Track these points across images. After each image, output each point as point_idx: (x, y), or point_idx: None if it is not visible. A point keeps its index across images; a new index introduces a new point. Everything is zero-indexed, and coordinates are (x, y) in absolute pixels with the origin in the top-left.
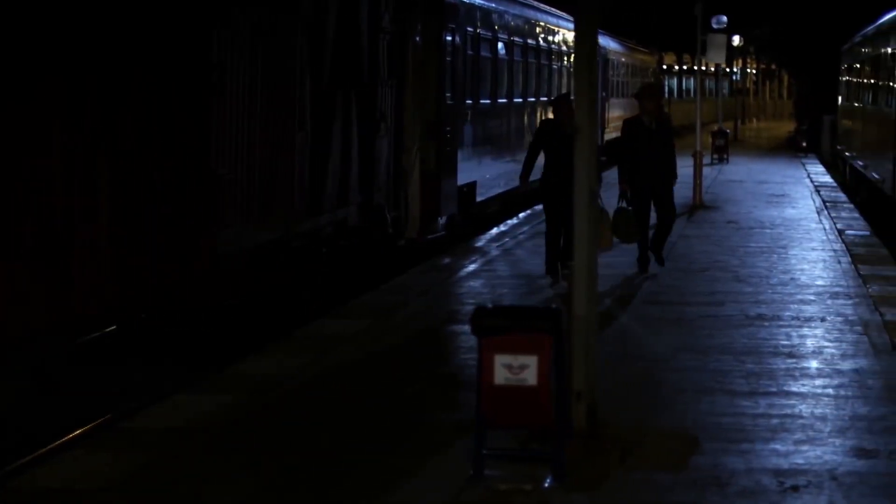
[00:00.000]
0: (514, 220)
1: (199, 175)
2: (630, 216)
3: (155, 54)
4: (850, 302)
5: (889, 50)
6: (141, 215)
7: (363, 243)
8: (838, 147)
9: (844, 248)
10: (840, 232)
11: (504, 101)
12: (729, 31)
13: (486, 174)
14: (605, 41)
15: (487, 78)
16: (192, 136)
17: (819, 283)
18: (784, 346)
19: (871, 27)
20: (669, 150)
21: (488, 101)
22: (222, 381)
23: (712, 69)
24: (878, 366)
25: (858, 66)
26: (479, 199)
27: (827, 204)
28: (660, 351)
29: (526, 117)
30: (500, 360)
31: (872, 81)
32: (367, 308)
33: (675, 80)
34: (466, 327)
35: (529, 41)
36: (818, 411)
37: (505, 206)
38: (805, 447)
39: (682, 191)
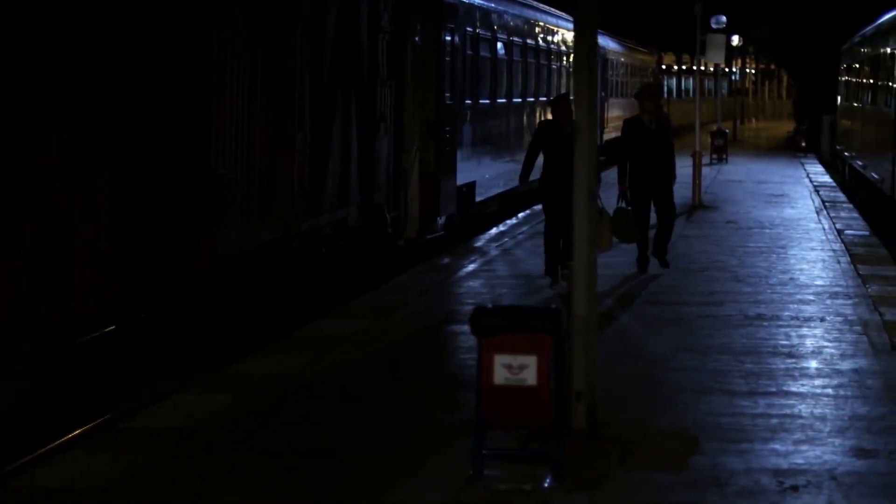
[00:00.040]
0: (514, 220)
1: (199, 175)
2: (630, 216)
3: (155, 54)
4: (849, 302)
5: (888, 50)
6: (141, 215)
7: (363, 243)
8: (837, 147)
9: (844, 248)
10: (839, 232)
11: (503, 101)
12: (728, 31)
13: (486, 174)
14: (604, 41)
15: (487, 78)
16: (192, 135)
17: (818, 283)
18: (783, 346)
19: (871, 27)
20: (669, 150)
21: (488, 101)
22: (222, 381)
23: (711, 69)
24: (877, 366)
25: (858, 66)
26: (478, 199)
27: (826, 204)
28: (659, 351)
29: (525, 117)
30: (500, 360)
31: (872, 81)
32: (366, 308)
33: (674, 80)
34: (466, 327)
35: (529, 41)
36: (817, 411)
37: (504, 205)
38: (804, 447)
39: (681, 191)
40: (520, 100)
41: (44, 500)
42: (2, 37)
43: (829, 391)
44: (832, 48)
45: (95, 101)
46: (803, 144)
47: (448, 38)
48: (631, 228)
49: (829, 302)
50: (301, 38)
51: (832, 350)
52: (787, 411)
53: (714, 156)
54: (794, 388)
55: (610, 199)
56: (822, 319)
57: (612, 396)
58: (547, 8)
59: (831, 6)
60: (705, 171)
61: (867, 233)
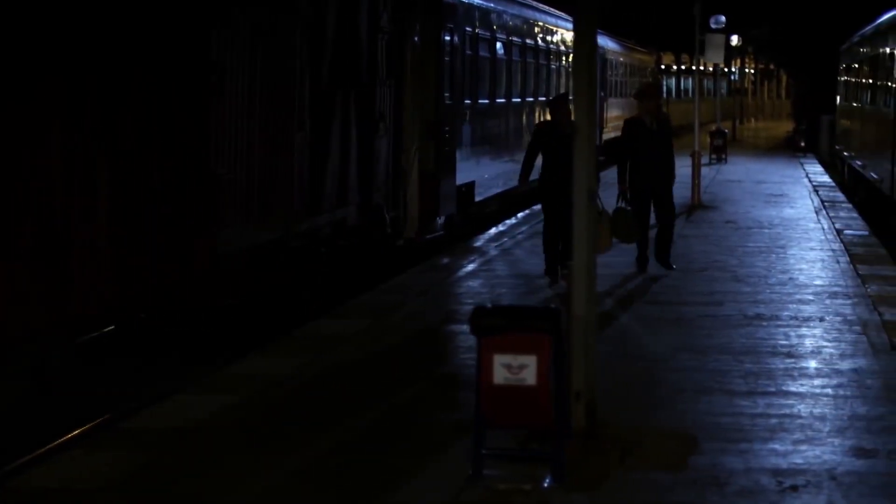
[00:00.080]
0: (513, 220)
1: (199, 175)
2: (629, 216)
3: (155, 54)
4: (848, 302)
5: (887, 50)
6: (140, 215)
7: (362, 243)
8: (836, 147)
9: (843, 248)
10: (838, 231)
11: (503, 100)
12: (727, 31)
13: (485, 174)
14: (603, 41)
15: (486, 78)
16: (192, 135)
17: (817, 282)
18: (783, 345)
19: (870, 27)
20: (669, 150)
21: (487, 101)
22: (222, 381)
23: (710, 69)
24: (876, 365)
25: (857, 66)
26: (477, 198)
27: (825, 203)
28: (659, 351)
29: (524, 117)
30: (500, 360)
31: (871, 81)
32: (366, 308)
33: (673, 80)
34: (465, 327)
35: (528, 41)
36: (817, 411)
37: (503, 205)
38: (804, 447)
39: (680, 190)
40: (519, 100)
41: (43, 500)
42: (2, 37)
43: (829, 391)
44: (831, 48)
45: (95, 101)
46: (802, 144)
47: (447, 37)
48: (631, 229)
49: (828, 302)
50: (301, 38)
51: (831, 350)
52: (787, 411)
53: (713, 156)
54: (793, 388)
55: (609, 199)
56: (822, 319)
57: (611, 396)
58: (546, 8)
59: (830, 6)
60: (704, 170)
61: (866, 232)
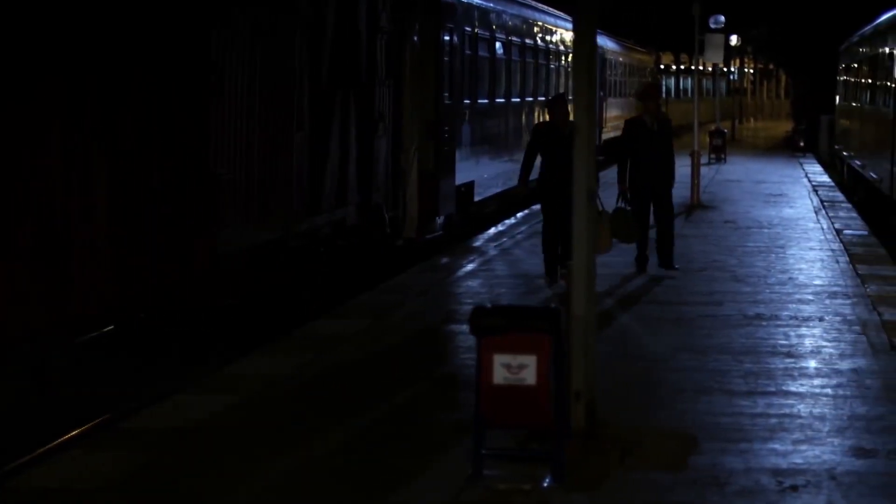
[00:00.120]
0: (512, 220)
1: (199, 175)
2: (629, 216)
3: (155, 54)
4: (848, 301)
5: (887, 49)
6: (140, 215)
7: (361, 243)
8: (836, 147)
9: (842, 248)
10: (838, 231)
11: (502, 100)
12: (727, 31)
13: (484, 174)
14: (602, 41)
15: (485, 78)
16: (192, 135)
17: (817, 282)
18: (782, 345)
19: (869, 27)
20: (669, 151)
21: (486, 101)
22: (222, 381)
23: (710, 69)
24: (876, 365)
25: (856, 65)
26: (477, 198)
27: (825, 203)
28: (658, 351)
29: (524, 117)
30: (499, 360)
31: (870, 81)
32: (365, 308)
33: (672, 80)
34: (465, 327)
35: (527, 41)
36: (816, 411)
37: (503, 205)
38: (804, 447)
39: (679, 190)
40: (518, 99)
41: (43, 500)
42: (2, 37)
43: (828, 391)
44: (830, 48)
45: (95, 101)
46: (802, 144)
47: (447, 37)
48: (631, 229)
49: (827, 301)
50: (300, 38)
51: (831, 350)
52: (787, 411)
53: (712, 155)
54: (793, 388)
55: (609, 199)
56: (821, 319)
57: (611, 396)
58: (546, 7)
59: (829, 6)
60: (704, 170)
61: (866, 232)
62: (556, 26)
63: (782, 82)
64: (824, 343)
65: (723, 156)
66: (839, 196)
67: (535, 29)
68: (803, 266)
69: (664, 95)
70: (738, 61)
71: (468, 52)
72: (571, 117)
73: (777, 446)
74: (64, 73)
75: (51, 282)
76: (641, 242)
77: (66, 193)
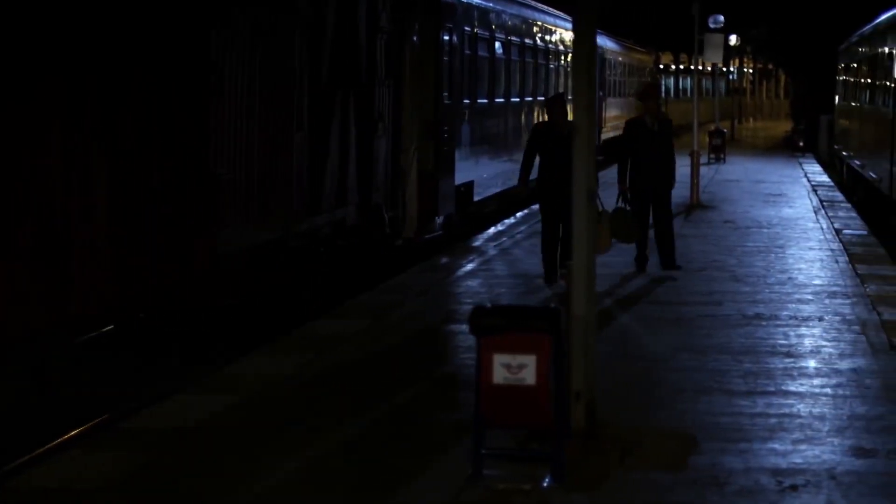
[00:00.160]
0: (512, 220)
1: (199, 175)
2: (629, 216)
3: (155, 54)
4: (847, 301)
5: (886, 49)
6: (140, 215)
7: (361, 243)
8: (835, 146)
9: (842, 248)
10: (837, 231)
11: (501, 100)
12: (726, 31)
13: (484, 174)
14: (602, 40)
15: (485, 77)
16: (192, 135)
17: (816, 282)
18: (782, 345)
19: (868, 27)
20: (670, 151)
21: (486, 101)
22: (222, 381)
23: (709, 69)
24: (875, 365)
25: (855, 65)
26: (476, 198)
27: (824, 203)
28: (658, 351)
29: (523, 117)
30: (499, 360)
31: (869, 81)
32: (365, 308)
33: (672, 80)
34: (465, 327)
35: (527, 41)
36: (816, 411)
37: (502, 205)
38: (803, 446)
39: (679, 190)
40: (518, 99)
41: (42, 500)
42: (2, 37)
43: (828, 391)
44: (830, 48)
45: (95, 101)
46: (801, 144)
47: (446, 37)
48: (630, 229)
49: (827, 301)
50: (300, 38)
51: (830, 349)
52: (786, 411)
53: (712, 155)
54: (792, 388)
55: (609, 199)
56: (821, 319)
57: (611, 396)
58: (545, 7)
59: (829, 6)
60: (703, 170)
61: (865, 232)
62: (556, 26)
63: (781, 82)
64: (824, 343)
65: (722, 156)
66: (838, 196)
67: (535, 29)
68: (803, 266)
69: (663, 95)
70: (737, 61)
71: (468, 51)
72: (570, 117)
73: (777, 446)
74: (64, 73)
75: (51, 282)
76: (641, 242)
77: (66, 193)
